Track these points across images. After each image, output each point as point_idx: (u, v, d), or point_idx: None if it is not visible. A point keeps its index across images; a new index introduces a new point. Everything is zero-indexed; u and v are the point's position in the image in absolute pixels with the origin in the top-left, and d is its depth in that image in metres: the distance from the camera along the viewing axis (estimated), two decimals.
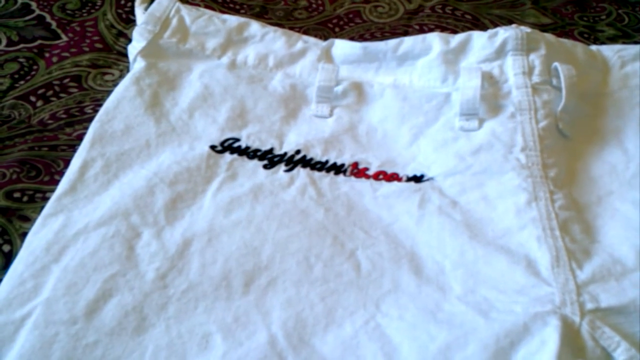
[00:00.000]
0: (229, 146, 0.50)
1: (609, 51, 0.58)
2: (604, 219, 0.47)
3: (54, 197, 0.45)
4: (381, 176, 0.49)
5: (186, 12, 0.57)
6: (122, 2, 0.67)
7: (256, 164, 0.49)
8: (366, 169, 0.49)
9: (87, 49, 0.62)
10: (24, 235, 0.44)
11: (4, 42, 0.62)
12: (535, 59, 0.53)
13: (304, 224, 0.45)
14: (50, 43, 0.62)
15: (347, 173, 0.49)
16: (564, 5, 0.72)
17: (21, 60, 0.60)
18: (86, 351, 0.38)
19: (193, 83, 0.53)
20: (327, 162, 0.50)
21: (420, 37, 0.56)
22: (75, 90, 0.58)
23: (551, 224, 0.45)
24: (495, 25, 0.67)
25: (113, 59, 0.61)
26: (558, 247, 0.44)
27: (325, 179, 0.48)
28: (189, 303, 0.40)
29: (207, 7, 0.65)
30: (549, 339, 0.39)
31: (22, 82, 0.58)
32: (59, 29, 0.64)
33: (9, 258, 0.45)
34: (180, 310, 0.40)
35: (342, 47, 0.57)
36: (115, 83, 0.55)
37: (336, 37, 0.64)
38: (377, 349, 0.39)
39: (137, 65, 0.54)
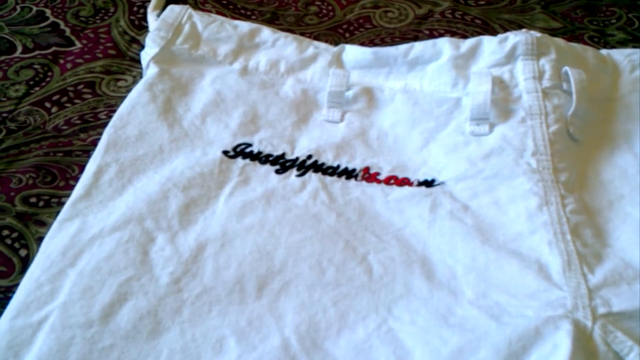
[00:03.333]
0: (241, 151, 0.50)
1: (619, 55, 0.58)
2: (615, 223, 0.47)
3: (69, 202, 0.46)
4: (392, 181, 0.49)
5: (198, 18, 0.58)
6: (135, 8, 0.68)
7: (268, 169, 0.49)
8: (377, 173, 0.50)
9: (100, 55, 0.62)
10: (40, 239, 0.45)
11: (20, 49, 0.63)
12: (546, 63, 0.53)
13: (316, 229, 0.45)
14: (64, 50, 0.63)
15: (359, 178, 0.49)
16: (573, 10, 0.72)
17: (36, 66, 0.61)
18: (102, 354, 0.38)
19: (205, 89, 0.54)
20: (338, 167, 0.50)
21: (430, 42, 0.56)
22: (89, 96, 0.58)
23: (562, 228, 0.45)
24: (505, 30, 0.67)
25: (126, 65, 0.62)
26: (569, 251, 0.44)
27: (337, 184, 0.49)
28: (203, 307, 0.41)
29: (218, 13, 0.66)
30: (561, 343, 0.39)
31: (37, 89, 0.59)
32: (73, 35, 0.65)
33: (26, 262, 0.46)
34: (195, 314, 0.40)
35: (352, 52, 0.57)
36: (128, 89, 0.56)
37: (346, 42, 0.64)
38: (389, 352, 0.39)
39: (150, 71, 0.55)
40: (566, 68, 0.52)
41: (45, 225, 0.48)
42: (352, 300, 0.42)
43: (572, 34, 0.68)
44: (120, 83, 0.60)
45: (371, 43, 0.66)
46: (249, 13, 0.69)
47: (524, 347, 0.39)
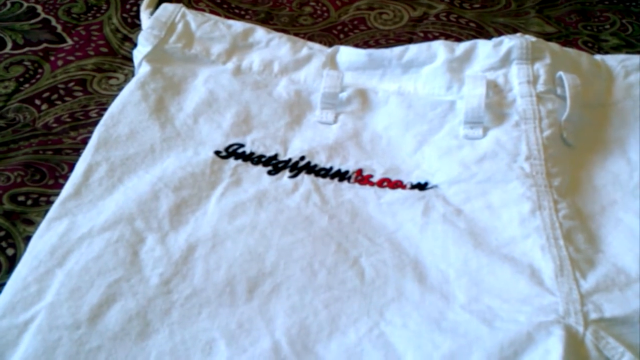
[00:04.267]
0: (233, 152, 0.50)
1: (613, 61, 0.58)
2: (607, 229, 0.47)
3: (58, 201, 0.45)
4: (385, 183, 0.49)
5: (192, 17, 0.58)
6: (128, 6, 0.67)
7: (260, 170, 0.49)
8: (370, 175, 0.49)
9: (92, 52, 0.62)
10: (27, 238, 0.44)
11: (10, 45, 0.62)
12: (540, 68, 0.53)
13: (308, 231, 0.45)
14: (55, 46, 0.62)
15: (351, 180, 0.49)
16: (568, 14, 0.72)
17: (26, 63, 0.60)
18: (89, 356, 0.38)
19: (198, 88, 0.54)
20: (331, 168, 0.50)
21: (425, 44, 0.56)
22: (80, 94, 0.58)
23: (555, 233, 0.45)
24: (500, 34, 0.67)
25: (118, 63, 0.61)
26: (562, 256, 0.44)
27: (330, 186, 0.48)
28: (193, 309, 0.40)
29: (212, 12, 0.65)
30: (553, 348, 0.39)
31: (27, 86, 0.58)
32: (64, 32, 0.64)
33: (13, 262, 0.45)
34: (184, 315, 0.40)
35: (347, 53, 0.57)
36: (120, 87, 0.55)
37: (341, 43, 0.64)
38: (381, 357, 0.39)
39: (142, 69, 0.54)
40: (560, 73, 0.52)
41: (33, 224, 0.47)
42: (344, 303, 0.41)
43: (566, 39, 0.68)
44: (111, 81, 0.59)
45: (365, 44, 0.65)
46: (242, 13, 0.69)
47: (515, 353, 0.39)
